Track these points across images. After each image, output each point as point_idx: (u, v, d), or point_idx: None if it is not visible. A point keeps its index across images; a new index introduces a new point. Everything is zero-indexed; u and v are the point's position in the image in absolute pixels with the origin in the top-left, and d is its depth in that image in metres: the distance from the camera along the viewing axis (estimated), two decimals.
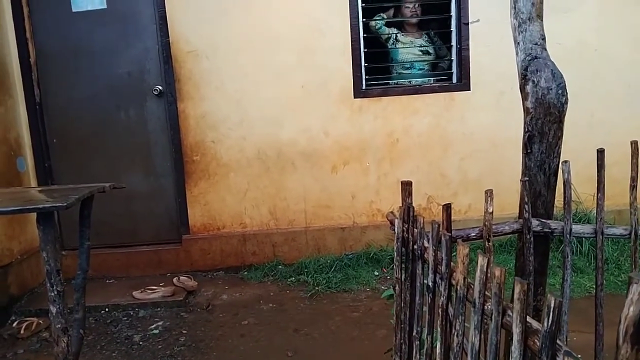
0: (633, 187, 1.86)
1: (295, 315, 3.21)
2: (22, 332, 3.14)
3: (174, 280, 3.63)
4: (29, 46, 3.76)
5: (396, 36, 3.98)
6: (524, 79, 1.80)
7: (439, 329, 1.37)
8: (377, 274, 3.71)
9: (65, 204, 1.83)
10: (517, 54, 1.85)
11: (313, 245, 3.92)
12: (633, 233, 1.85)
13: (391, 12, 3.97)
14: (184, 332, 3.08)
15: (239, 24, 3.75)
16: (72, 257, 3.26)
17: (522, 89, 1.82)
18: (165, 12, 3.70)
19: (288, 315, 3.23)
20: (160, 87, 3.80)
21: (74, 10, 3.76)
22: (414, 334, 1.61)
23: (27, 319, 3.25)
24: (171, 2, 3.69)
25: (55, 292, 2.01)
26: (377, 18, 3.92)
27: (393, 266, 3.72)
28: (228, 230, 3.94)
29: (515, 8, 1.85)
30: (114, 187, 2.29)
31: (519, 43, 1.85)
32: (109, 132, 3.87)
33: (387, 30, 3.96)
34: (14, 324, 3.24)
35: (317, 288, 3.51)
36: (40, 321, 3.22)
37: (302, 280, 3.66)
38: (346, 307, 3.28)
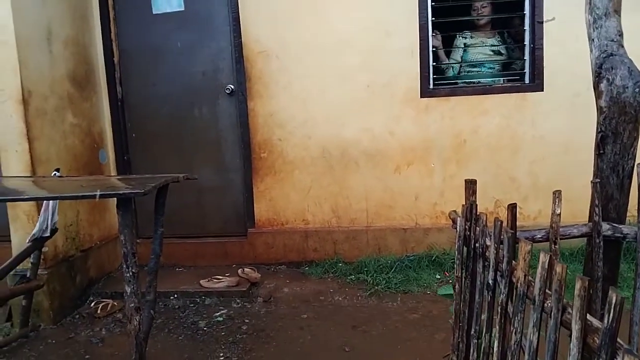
0: None
1: (354, 313, 3.24)
2: (98, 312, 3.38)
3: (239, 271, 3.76)
4: (113, 47, 4.04)
5: (465, 45, 3.95)
6: (598, 76, 1.74)
7: (497, 327, 1.35)
8: (438, 277, 3.66)
9: (143, 191, 1.96)
10: (591, 51, 1.79)
11: (374, 244, 3.93)
12: None
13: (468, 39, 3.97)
14: (246, 321, 3.20)
15: (308, 26, 3.83)
16: (145, 245, 3.46)
17: (596, 87, 1.75)
18: (239, 14, 3.85)
19: (347, 312, 3.26)
20: (232, 86, 3.95)
21: (154, 12, 4.00)
22: (472, 332, 1.59)
23: (104, 300, 3.50)
24: (244, 4, 3.84)
25: (131, 274, 2.16)
26: (458, 43, 3.96)
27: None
28: (291, 226, 4.03)
29: (590, 3, 1.79)
30: (187, 178, 2.43)
31: (593, 40, 1.79)
32: (184, 129, 4.07)
33: (461, 52, 3.95)
34: (92, 304, 3.49)
35: (376, 287, 3.52)
36: (115, 303, 3.45)
37: (361, 279, 3.68)
38: (405, 308, 3.26)
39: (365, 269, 3.76)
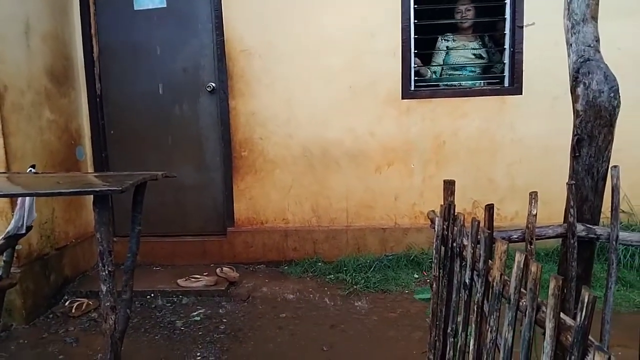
0: None
1: (333, 312, 3.24)
2: (73, 311, 3.32)
3: (217, 270, 3.74)
4: (93, 42, 3.97)
5: (447, 47, 3.98)
6: (575, 81, 1.77)
7: (473, 326, 1.37)
8: (417, 276, 3.69)
9: (120, 188, 1.93)
10: (569, 55, 1.82)
11: (353, 244, 3.95)
12: None
13: (450, 41, 3.99)
14: (224, 320, 3.17)
15: (292, 26, 3.83)
16: (122, 244, 3.41)
17: (573, 91, 1.78)
18: (222, 12, 3.83)
19: (325, 311, 3.26)
20: (213, 84, 3.92)
21: (135, 8, 3.95)
22: (448, 331, 1.61)
23: (78, 299, 3.44)
24: (228, 2, 3.82)
25: (107, 272, 2.12)
26: (441, 46, 3.98)
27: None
28: (271, 225, 4.02)
29: (569, 9, 1.82)
30: (166, 175, 2.40)
31: (571, 45, 1.82)
32: (164, 126, 4.03)
33: (443, 54, 3.99)
34: (67, 303, 3.42)
35: (355, 287, 3.53)
36: (90, 302, 3.40)
37: (340, 278, 3.68)
38: (383, 308, 3.28)
39: (345, 268, 3.77)
